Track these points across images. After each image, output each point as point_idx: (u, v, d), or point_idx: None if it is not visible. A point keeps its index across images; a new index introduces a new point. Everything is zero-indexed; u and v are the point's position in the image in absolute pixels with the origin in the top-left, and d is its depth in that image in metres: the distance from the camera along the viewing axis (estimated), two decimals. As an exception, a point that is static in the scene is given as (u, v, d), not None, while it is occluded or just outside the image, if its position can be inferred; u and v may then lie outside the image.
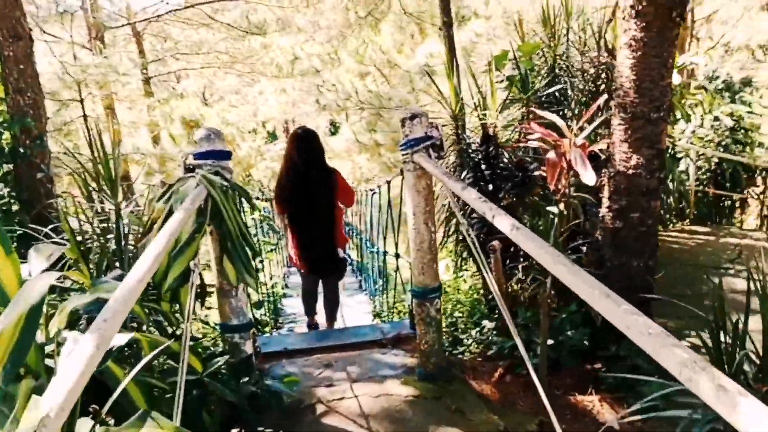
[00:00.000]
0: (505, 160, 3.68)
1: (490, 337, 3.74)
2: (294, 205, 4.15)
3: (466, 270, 5.10)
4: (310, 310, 4.74)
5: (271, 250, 5.96)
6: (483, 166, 3.62)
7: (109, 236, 2.93)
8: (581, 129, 3.55)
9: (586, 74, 5.14)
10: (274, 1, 16.52)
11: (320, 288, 4.65)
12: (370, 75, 15.17)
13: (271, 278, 6.13)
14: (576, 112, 4.78)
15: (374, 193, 5.87)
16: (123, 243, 2.83)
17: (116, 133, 11.57)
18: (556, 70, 5.17)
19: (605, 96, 3.69)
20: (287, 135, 32.98)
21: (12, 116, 5.38)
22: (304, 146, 4.08)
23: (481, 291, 4.36)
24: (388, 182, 4.69)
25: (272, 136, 31.85)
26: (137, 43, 14.56)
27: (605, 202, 3.28)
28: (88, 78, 8.70)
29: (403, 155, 2.88)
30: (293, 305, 6.60)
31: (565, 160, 3.42)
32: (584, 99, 4.98)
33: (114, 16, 12.35)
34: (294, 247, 4.30)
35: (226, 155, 2.72)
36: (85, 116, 9.05)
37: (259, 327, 4.66)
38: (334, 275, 4.50)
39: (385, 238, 5.73)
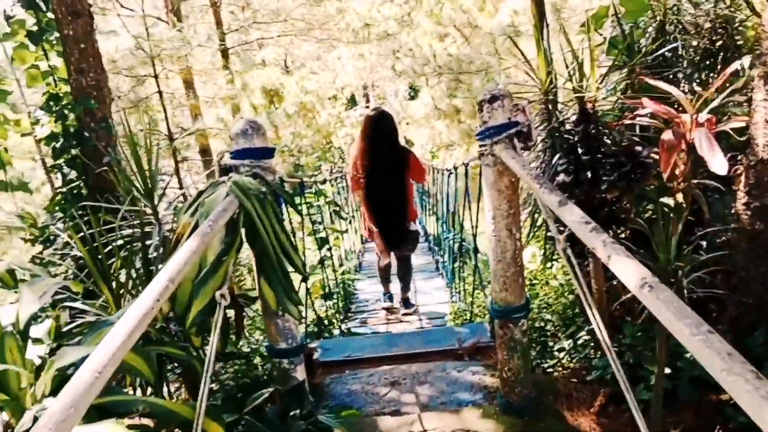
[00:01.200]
0: (608, 142, 3.03)
1: (587, 353, 3.16)
2: (368, 184, 4.44)
3: (557, 260, 4.46)
4: (385, 280, 5.17)
5: (336, 238, 5.55)
6: (580, 150, 3.00)
7: (146, 243, 2.60)
8: (705, 102, 2.83)
9: (701, 30, 4.27)
10: (349, -37, 15.88)
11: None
12: (449, 36, 14.32)
13: (341, 264, 5.76)
14: (694, 77, 3.97)
15: (450, 173, 5.31)
16: (160, 254, 2.48)
17: (194, 108, 11.54)
18: (667, 26, 4.32)
19: (742, 60, 2.92)
20: (367, 101, 32.72)
21: (75, 97, 5.25)
22: (378, 128, 4.35)
23: (576, 290, 3.75)
24: (466, 165, 4.11)
25: (352, 102, 31.58)
26: (214, 13, 14.42)
27: (741, 196, 2.58)
28: (162, 53, 8.57)
29: (480, 146, 2.33)
30: (365, 289, 6.23)
31: (685, 142, 2.73)
32: (699, 61, 4.14)
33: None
34: (369, 222, 4.63)
35: (268, 153, 2.28)
36: (160, 92, 8.97)
37: (324, 325, 4.29)
38: (407, 246, 4.81)
39: (461, 225, 5.18)
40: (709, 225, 3.05)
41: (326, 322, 4.42)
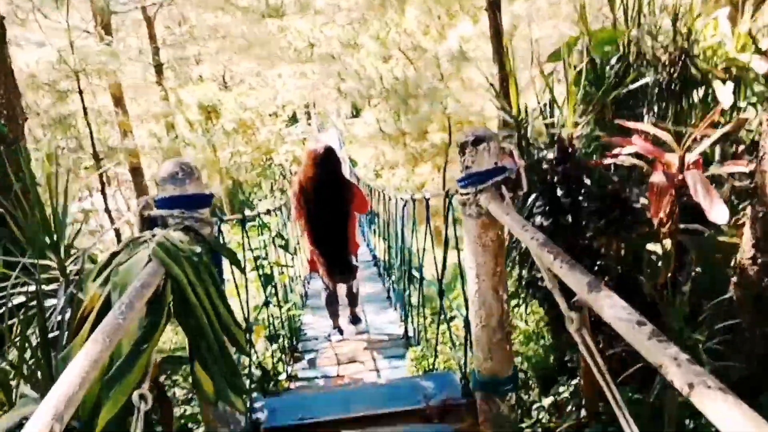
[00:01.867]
0: (588, 183, 2.76)
1: (571, 410, 2.84)
2: (311, 217, 4.50)
3: (523, 298, 4.12)
4: (333, 314, 5.13)
5: (282, 273, 5.09)
6: (559, 192, 2.71)
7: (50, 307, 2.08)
8: (693, 141, 2.61)
9: (661, 64, 4.14)
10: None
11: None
12: (393, 59, 14.13)
13: (286, 300, 5.28)
14: (660, 112, 3.81)
15: (405, 205, 4.97)
16: (67, 321, 1.97)
17: (123, 125, 10.77)
18: (630, 59, 4.17)
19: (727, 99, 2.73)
20: (308, 118, 32.21)
21: (-20, 119, 4.60)
22: (320, 163, 4.42)
23: (550, 335, 3.44)
24: (427, 200, 3.76)
25: (293, 120, 30.99)
26: (148, 27, 13.67)
27: (746, 250, 2.34)
28: (87, 67, 7.87)
29: (462, 195, 1.98)
30: (313, 324, 5.77)
31: (673, 186, 2.48)
32: (665, 95, 3.99)
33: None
34: (311, 253, 4.70)
35: (203, 201, 1.84)
36: (84, 108, 8.23)
37: (271, 377, 3.81)
38: (350, 278, 4.89)
39: (410, 251, 4.92)
40: (690, 268, 2.81)
41: (271, 371, 3.94)
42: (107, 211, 9.03)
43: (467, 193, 1.94)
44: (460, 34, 9.17)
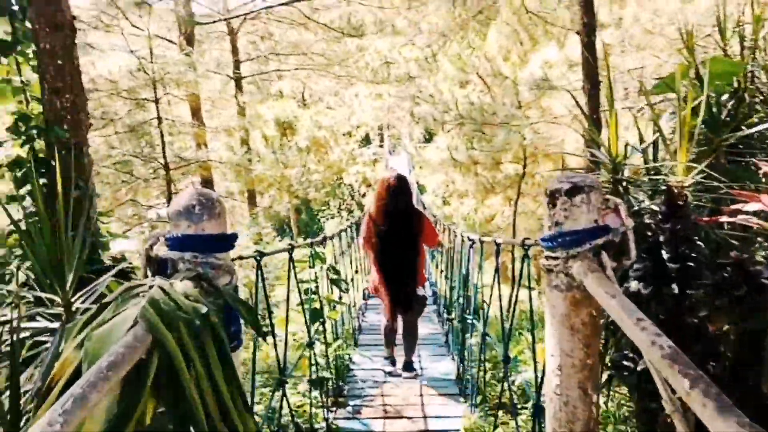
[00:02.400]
0: (701, 246, 2.23)
1: None
2: (381, 248, 4.53)
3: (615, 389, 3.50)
4: (389, 343, 5.08)
5: (333, 308, 4.73)
6: (665, 254, 2.21)
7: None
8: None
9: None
10: (375, 1, 15.44)
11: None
12: (470, 84, 13.72)
13: (336, 338, 4.91)
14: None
15: (472, 244, 4.53)
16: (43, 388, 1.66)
17: (198, 136, 10.88)
18: (746, 96, 3.57)
19: None
20: (381, 140, 32.27)
21: (47, 120, 4.57)
22: (393, 192, 4.46)
23: (637, 425, 2.88)
24: (498, 245, 3.29)
25: (366, 140, 31.06)
26: (231, 41, 13.94)
27: None
28: (165, 76, 7.94)
29: (547, 258, 1.54)
30: (364, 364, 5.36)
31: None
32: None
33: (208, 11, 11.71)
34: (379, 283, 4.66)
35: (223, 243, 1.49)
36: (159, 118, 8.30)
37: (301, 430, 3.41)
38: (414, 310, 4.81)
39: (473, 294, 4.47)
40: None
41: (304, 422, 3.54)
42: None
43: (555, 257, 1.50)
44: (544, 59, 8.66)
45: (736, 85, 3.74)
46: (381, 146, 31.79)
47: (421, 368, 5.21)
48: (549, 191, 1.52)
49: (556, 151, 8.51)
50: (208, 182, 12.49)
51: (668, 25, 7.77)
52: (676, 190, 2.30)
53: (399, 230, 4.44)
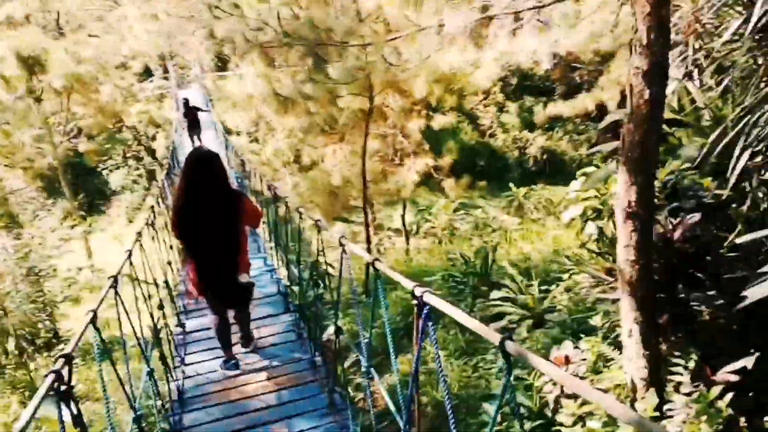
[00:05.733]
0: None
1: None
2: (191, 232, 4.05)
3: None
4: (225, 344, 4.58)
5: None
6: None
7: None
8: None
9: None
10: None
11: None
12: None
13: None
14: None
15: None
16: None
17: None
18: None
19: None
20: (165, 71, 27.49)
21: None
22: (200, 172, 3.98)
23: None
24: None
25: (147, 74, 26.23)
26: None
27: None
28: None
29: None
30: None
31: None
32: None
33: None
34: (193, 276, 4.20)
35: None
36: None
37: None
38: (242, 301, 4.44)
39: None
40: None
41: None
42: None
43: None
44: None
45: None
46: (165, 78, 27.19)
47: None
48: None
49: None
50: None
51: None
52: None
53: (212, 213, 3.92)
